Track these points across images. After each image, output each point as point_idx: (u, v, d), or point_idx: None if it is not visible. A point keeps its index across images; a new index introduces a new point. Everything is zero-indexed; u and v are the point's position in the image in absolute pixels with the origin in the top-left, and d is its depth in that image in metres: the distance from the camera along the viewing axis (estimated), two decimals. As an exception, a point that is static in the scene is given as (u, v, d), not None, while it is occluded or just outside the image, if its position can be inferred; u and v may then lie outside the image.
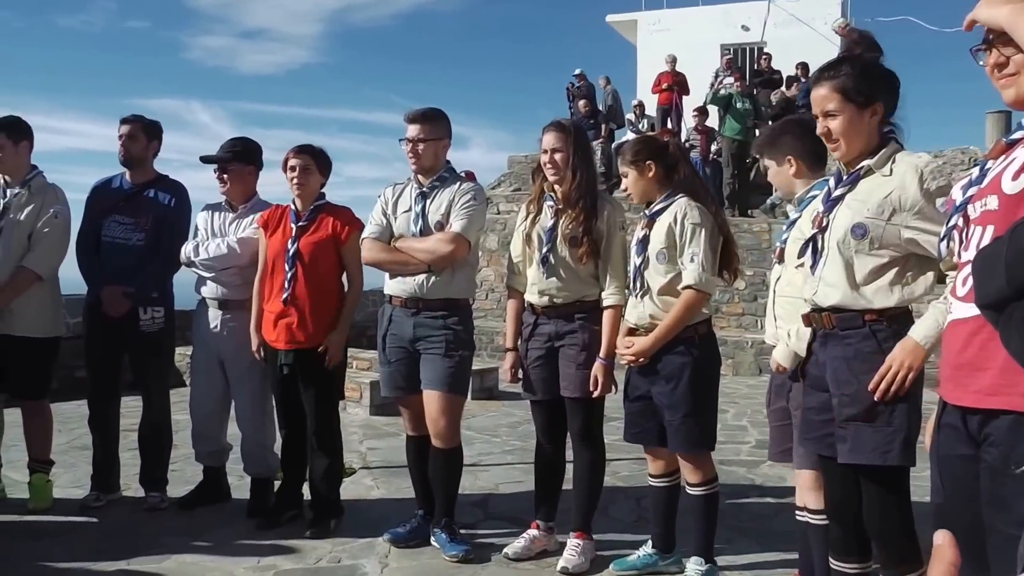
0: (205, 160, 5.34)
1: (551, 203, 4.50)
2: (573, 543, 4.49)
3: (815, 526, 3.64)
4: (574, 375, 4.41)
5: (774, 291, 3.75)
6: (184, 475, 5.84)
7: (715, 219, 4.20)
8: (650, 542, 4.45)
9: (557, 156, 4.41)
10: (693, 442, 4.15)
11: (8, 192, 5.32)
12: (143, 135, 5.44)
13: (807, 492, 3.69)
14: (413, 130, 4.63)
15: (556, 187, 4.49)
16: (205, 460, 5.54)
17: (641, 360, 4.14)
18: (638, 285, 4.20)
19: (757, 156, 4.37)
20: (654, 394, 4.18)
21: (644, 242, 4.20)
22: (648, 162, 4.21)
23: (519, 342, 4.66)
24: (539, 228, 4.51)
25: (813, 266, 3.14)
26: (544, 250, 4.45)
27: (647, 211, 4.26)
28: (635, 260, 4.22)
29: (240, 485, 5.60)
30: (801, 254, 3.24)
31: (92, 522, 5.22)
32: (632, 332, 4.25)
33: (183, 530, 5.01)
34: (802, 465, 3.68)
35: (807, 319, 3.23)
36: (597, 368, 4.35)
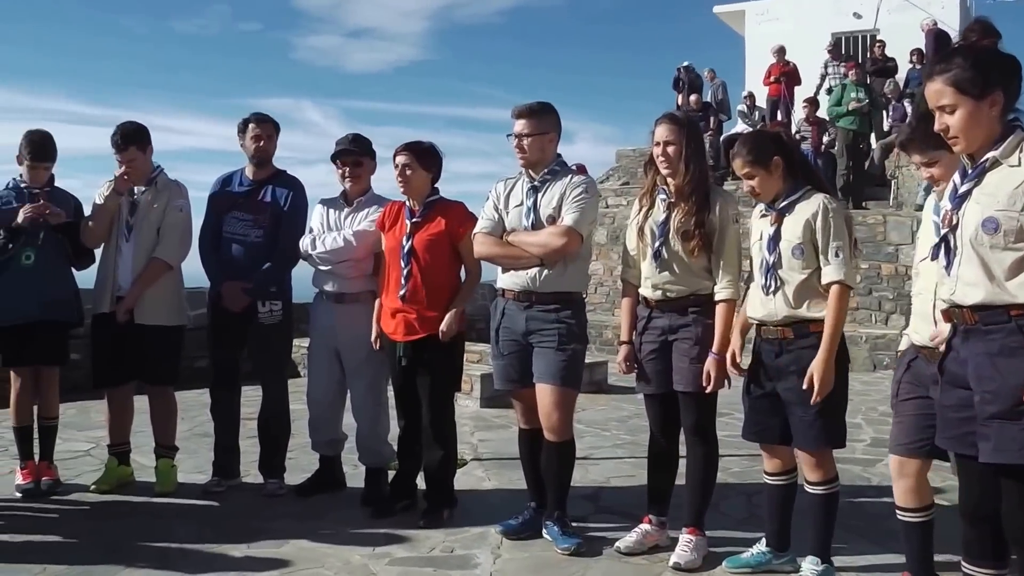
0: (336, 156, 5.42)
1: (663, 197, 4.46)
2: (685, 539, 4.45)
3: (907, 523, 3.70)
4: (687, 369, 4.38)
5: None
6: (300, 463, 5.98)
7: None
8: (764, 540, 4.38)
9: (670, 149, 4.37)
10: (823, 439, 4.07)
11: (136, 191, 5.56)
12: (275, 134, 5.66)
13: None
14: (519, 125, 4.64)
15: (668, 180, 4.45)
16: (321, 449, 5.67)
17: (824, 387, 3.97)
18: (770, 281, 4.10)
19: (904, 150, 4.18)
20: (781, 391, 4.10)
21: (776, 238, 4.10)
22: (776, 158, 4.10)
23: (633, 335, 4.64)
24: (652, 222, 4.48)
25: (948, 266, 3.01)
26: (657, 244, 4.41)
27: (774, 206, 4.14)
28: (766, 256, 4.11)
29: (354, 474, 5.71)
30: (935, 256, 3.12)
31: (214, 506, 5.42)
32: (760, 327, 4.17)
33: (300, 516, 5.15)
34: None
35: (947, 315, 3.11)
36: (710, 363, 4.31)
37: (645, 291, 4.54)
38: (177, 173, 5.70)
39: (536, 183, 4.68)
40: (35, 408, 5.73)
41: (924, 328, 3.67)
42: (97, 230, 5.57)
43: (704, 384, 4.32)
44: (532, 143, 4.63)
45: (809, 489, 4.18)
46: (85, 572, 4.29)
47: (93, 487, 5.65)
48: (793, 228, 4.05)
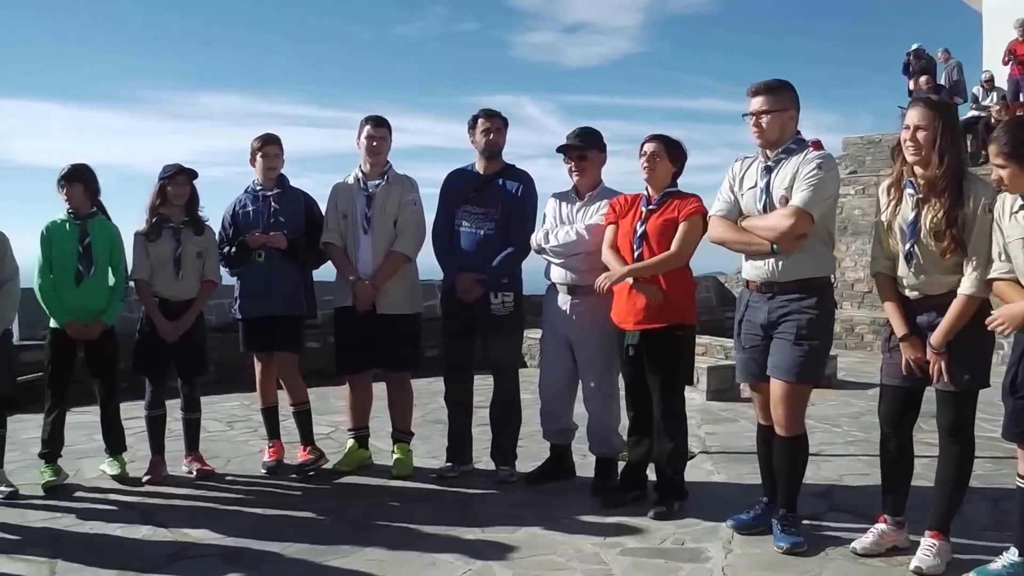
0: (562, 150, 5.47)
1: (911, 192, 4.17)
2: (928, 543, 4.22)
3: None
4: (951, 368, 4.11)
5: None
6: (530, 451, 6.09)
7: None
8: (1015, 549, 4.06)
9: (920, 135, 4.06)
10: None
11: (369, 185, 5.82)
12: (504, 128, 5.79)
13: None
14: (756, 103, 4.45)
15: (917, 170, 4.14)
16: (552, 438, 5.76)
17: None
18: None
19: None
20: None
21: None
22: None
23: (904, 327, 4.30)
24: (900, 220, 4.21)
25: None
26: (908, 245, 4.16)
27: None
28: None
29: (583, 464, 5.77)
30: None
31: (448, 491, 5.60)
32: None
33: (532, 504, 5.25)
34: None
35: None
36: (936, 359, 4.08)
37: (902, 290, 4.29)
38: (404, 171, 5.93)
39: (770, 163, 4.49)
40: (279, 394, 6.14)
41: None
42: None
43: (946, 380, 4.09)
44: (770, 121, 4.44)
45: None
46: (328, 550, 4.52)
47: (334, 467, 5.97)
48: None
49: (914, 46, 18.48)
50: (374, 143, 5.84)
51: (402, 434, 6.05)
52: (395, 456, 5.97)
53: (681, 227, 4.91)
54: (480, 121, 5.77)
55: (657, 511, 4.97)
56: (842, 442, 7.01)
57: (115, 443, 5.88)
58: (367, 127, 5.86)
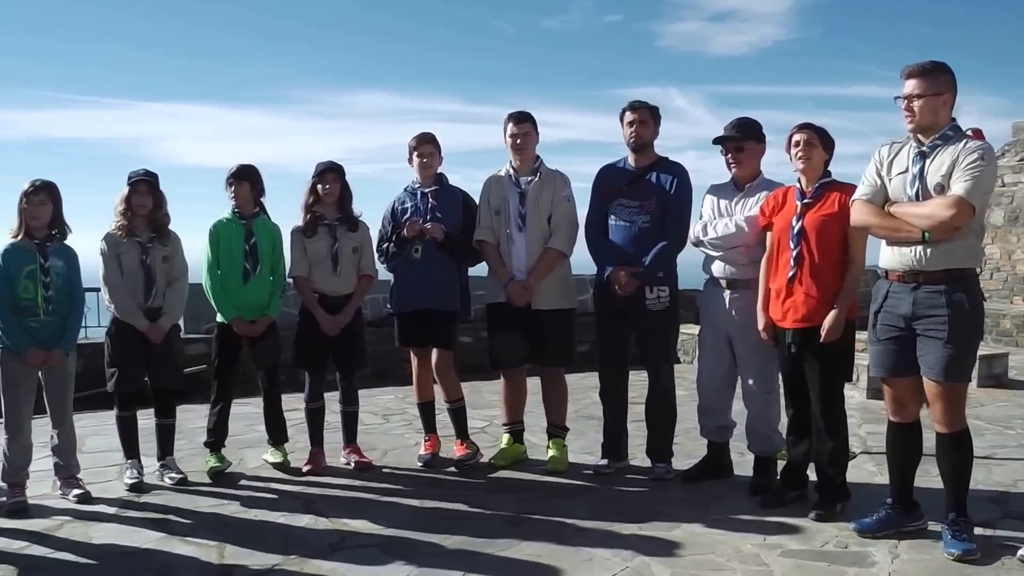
0: (718, 141, 5.38)
1: None
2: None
3: None
4: None
5: None
6: (686, 448, 6.00)
7: None
8: None
9: None
10: None
11: (521, 181, 5.82)
12: (651, 120, 5.66)
13: None
14: (909, 86, 4.26)
15: None
16: (710, 435, 5.66)
17: None
18: None
19: None
20: None
21: None
22: None
23: None
24: None
25: None
26: None
27: None
28: None
29: (740, 462, 5.66)
30: None
31: (603, 487, 5.55)
32: None
33: (689, 502, 5.16)
34: None
35: None
36: None
37: None
38: (554, 166, 5.91)
39: (924, 148, 4.29)
40: (435, 389, 6.20)
41: None
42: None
43: None
44: (923, 105, 4.24)
45: None
46: (486, 543, 4.54)
47: (491, 462, 6.01)
48: None
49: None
50: (518, 140, 5.84)
51: (557, 429, 6.04)
52: (550, 452, 5.96)
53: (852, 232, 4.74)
54: (626, 114, 5.70)
55: (818, 513, 4.82)
56: (1015, 445, 6.65)
57: (277, 433, 6.07)
58: (509, 125, 5.88)
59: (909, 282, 4.32)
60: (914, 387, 4.43)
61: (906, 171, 4.34)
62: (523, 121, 5.88)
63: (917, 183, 4.28)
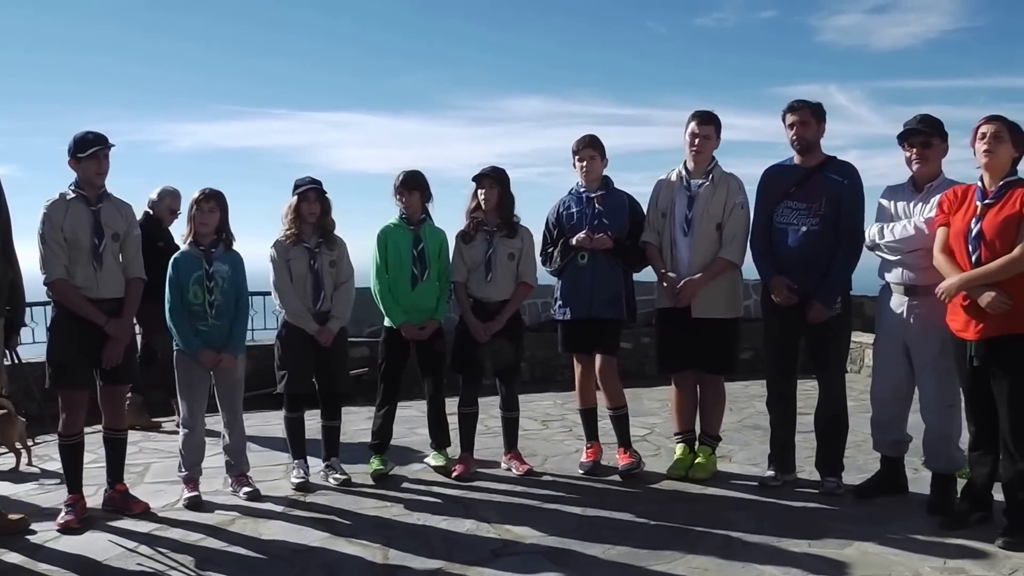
0: (903, 136, 5.13)
1: None
2: None
3: None
4: None
5: None
6: (857, 462, 5.78)
7: None
8: None
9: None
10: None
11: (692, 184, 5.71)
12: (813, 120, 5.46)
13: None
14: None
15: None
16: (884, 449, 5.42)
17: None
18: None
19: None
20: None
21: None
22: None
23: None
24: None
25: None
26: None
27: None
28: None
29: (916, 479, 5.41)
30: None
31: (770, 501, 5.37)
32: None
33: (862, 519, 4.96)
34: None
35: None
36: None
37: None
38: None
39: None
40: (597, 396, 6.13)
41: None
42: None
43: None
44: None
45: None
46: (651, 555, 4.47)
47: (668, 472, 5.90)
48: None
49: None
50: (696, 141, 5.72)
51: (709, 438, 5.94)
52: (697, 459, 5.85)
53: None
54: (787, 115, 5.51)
55: (1007, 540, 4.49)
56: None
57: (441, 437, 6.14)
58: (692, 124, 5.75)
59: None
60: None
61: None
62: (707, 123, 5.74)
63: None
